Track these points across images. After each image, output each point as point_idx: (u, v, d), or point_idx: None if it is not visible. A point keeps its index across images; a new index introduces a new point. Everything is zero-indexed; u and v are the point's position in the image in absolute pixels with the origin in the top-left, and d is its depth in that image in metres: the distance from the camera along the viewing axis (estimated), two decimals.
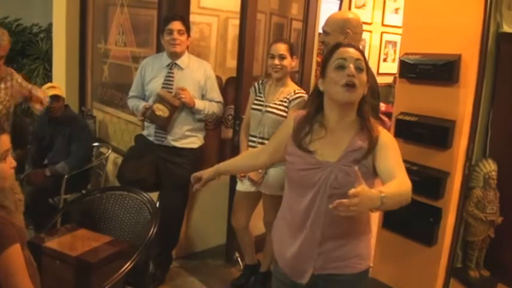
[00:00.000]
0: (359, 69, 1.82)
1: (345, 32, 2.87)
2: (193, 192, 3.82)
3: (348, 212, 1.46)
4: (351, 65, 1.80)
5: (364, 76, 1.83)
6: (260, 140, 3.27)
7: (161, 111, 3.30)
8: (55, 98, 4.09)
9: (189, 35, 3.47)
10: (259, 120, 3.27)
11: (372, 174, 1.83)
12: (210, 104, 3.49)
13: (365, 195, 1.47)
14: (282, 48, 3.22)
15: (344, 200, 1.44)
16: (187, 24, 3.46)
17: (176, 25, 3.36)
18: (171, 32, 3.37)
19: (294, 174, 1.93)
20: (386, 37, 7.17)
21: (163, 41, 3.44)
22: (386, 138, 1.87)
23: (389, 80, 6.75)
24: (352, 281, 1.91)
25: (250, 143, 3.33)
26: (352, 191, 1.44)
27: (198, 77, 3.46)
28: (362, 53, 1.87)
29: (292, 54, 3.26)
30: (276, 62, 3.21)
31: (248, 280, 3.59)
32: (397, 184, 1.67)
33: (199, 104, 3.41)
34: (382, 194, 1.52)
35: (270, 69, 3.27)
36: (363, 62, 1.84)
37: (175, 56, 3.44)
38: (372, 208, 1.54)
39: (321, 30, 4.05)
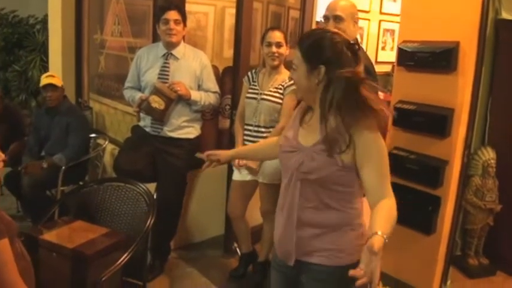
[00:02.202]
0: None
1: (355, 18, 2.87)
2: (190, 182, 3.81)
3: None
4: None
5: (294, 74, 1.86)
6: (256, 129, 3.25)
7: (157, 103, 3.28)
8: (51, 87, 4.07)
9: (185, 25, 3.43)
10: (254, 109, 3.25)
11: (350, 167, 1.77)
12: (206, 95, 3.46)
13: (376, 263, 1.48)
14: (278, 36, 3.21)
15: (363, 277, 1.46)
16: (184, 14, 3.42)
17: (172, 15, 3.32)
18: (167, 22, 3.33)
19: (280, 156, 1.96)
20: (384, 25, 7.12)
21: (159, 31, 3.40)
22: (370, 135, 1.76)
23: (387, 68, 6.71)
24: (333, 274, 1.87)
25: (246, 132, 3.31)
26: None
27: (194, 67, 3.44)
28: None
29: (287, 42, 3.25)
30: (274, 49, 3.20)
31: (246, 269, 3.59)
32: (387, 213, 1.67)
33: (195, 95, 3.39)
34: (385, 237, 1.53)
35: (266, 57, 3.25)
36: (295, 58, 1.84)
37: (171, 46, 3.40)
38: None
39: (318, 19, 4.03)
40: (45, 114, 4.22)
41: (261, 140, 2.94)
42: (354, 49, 1.78)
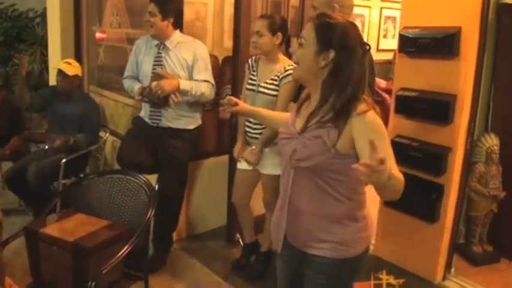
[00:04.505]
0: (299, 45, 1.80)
1: (332, 7, 2.81)
2: (192, 173, 3.79)
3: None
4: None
5: (300, 50, 1.80)
6: (255, 120, 3.22)
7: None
8: (62, 73, 4.10)
9: (165, 17, 3.31)
10: (253, 101, 3.20)
11: (345, 155, 1.73)
12: (197, 84, 3.37)
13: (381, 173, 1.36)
14: (258, 24, 3.11)
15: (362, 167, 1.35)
16: (163, 6, 3.31)
17: (149, 7, 3.30)
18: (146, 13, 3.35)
19: (278, 143, 1.97)
20: (385, 12, 7.09)
21: None
22: (370, 120, 1.71)
23: (389, 56, 6.68)
24: (335, 266, 1.85)
25: (247, 123, 3.27)
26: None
27: (186, 57, 3.37)
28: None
29: (274, 31, 3.09)
30: (253, 39, 3.14)
31: (249, 260, 3.58)
32: (398, 173, 1.59)
33: (184, 84, 3.31)
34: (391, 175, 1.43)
35: None
36: (305, 33, 1.79)
37: (159, 37, 3.37)
38: (380, 180, 1.39)
39: None
40: (57, 96, 4.23)
41: (277, 112, 2.86)
42: (364, 48, 1.77)
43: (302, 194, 1.85)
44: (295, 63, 1.87)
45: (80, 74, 4.25)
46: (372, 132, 1.67)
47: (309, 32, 1.77)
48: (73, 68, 4.17)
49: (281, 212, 1.95)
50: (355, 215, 1.85)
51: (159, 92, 3.20)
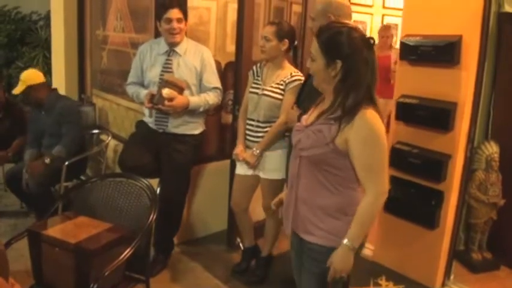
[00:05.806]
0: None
1: (327, 16, 2.83)
2: (194, 178, 3.81)
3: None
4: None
5: (312, 64, 1.94)
6: (256, 123, 3.24)
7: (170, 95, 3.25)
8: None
9: (186, 21, 3.40)
10: (256, 104, 3.23)
11: (342, 152, 1.88)
12: (206, 96, 3.41)
13: (337, 263, 1.88)
14: (266, 30, 3.17)
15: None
16: (185, 10, 3.38)
17: (175, 13, 3.27)
18: (170, 21, 3.27)
19: (292, 134, 2.13)
20: (387, 20, 7.11)
21: (161, 29, 3.34)
22: (360, 131, 1.84)
23: None
24: (324, 253, 1.95)
25: (248, 127, 3.29)
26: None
27: (195, 63, 3.39)
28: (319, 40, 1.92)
29: (281, 37, 3.14)
30: (261, 43, 3.19)
31: (249, 264, 3.59)
32: (359, 218, 1.87)
33: (194, 102, 3.34)
34: (345, 242, 1.86)
35: None
36: (313, 49, 1.93)
37: (174, 44, 3.38)
38: (351, 257, 1.88)
39: None
40: (37, 109, 4.17)
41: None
42: (370, 44, 1.88)
43: (302, 183, 2.00)
44: (312, 75, 2.03)
45: (32, 82, 3.99)
46: (366, 141, 1.84)
47: (315, 48, 1.92)
48: (20, 83, 3.99)
49: (290, 198, 2.08)
50: (347, 209, 1.94)
51: (170, 111, 3.27)
